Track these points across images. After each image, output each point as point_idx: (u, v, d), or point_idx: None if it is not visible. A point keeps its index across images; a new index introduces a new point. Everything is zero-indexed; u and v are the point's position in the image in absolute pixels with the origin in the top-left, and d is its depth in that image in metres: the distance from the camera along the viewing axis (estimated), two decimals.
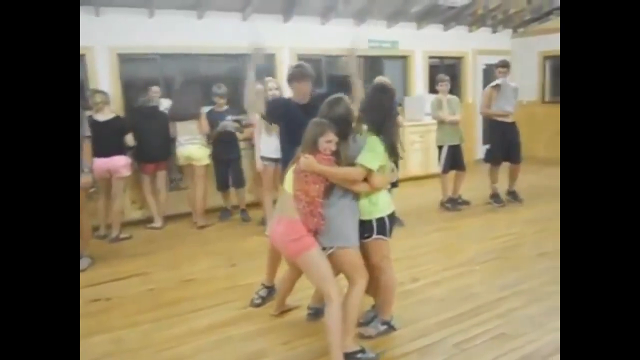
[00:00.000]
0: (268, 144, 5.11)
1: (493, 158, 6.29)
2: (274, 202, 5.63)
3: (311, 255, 2.66)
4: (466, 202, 6.28)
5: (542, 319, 3.26)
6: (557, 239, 4.85)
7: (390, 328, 3.11)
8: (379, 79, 5.76)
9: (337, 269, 2.80)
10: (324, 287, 2.69)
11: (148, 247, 5.09)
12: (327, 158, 2.69)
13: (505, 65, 6.18)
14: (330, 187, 2.71)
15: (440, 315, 3.34)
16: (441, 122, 6.06)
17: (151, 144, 5.50)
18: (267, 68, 7.03)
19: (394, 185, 5.14)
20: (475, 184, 6.96)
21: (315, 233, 2.69)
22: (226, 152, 5.81)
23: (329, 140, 2.68)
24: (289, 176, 2.74)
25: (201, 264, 4.52)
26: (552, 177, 7.82)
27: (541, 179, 7.72)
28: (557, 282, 3.81)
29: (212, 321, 3.38)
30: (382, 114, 2.82)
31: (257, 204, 6.18)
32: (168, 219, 5.89)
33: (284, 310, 3.42)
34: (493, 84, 6.27)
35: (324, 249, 2.71)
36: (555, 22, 8.81)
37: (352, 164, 2.72)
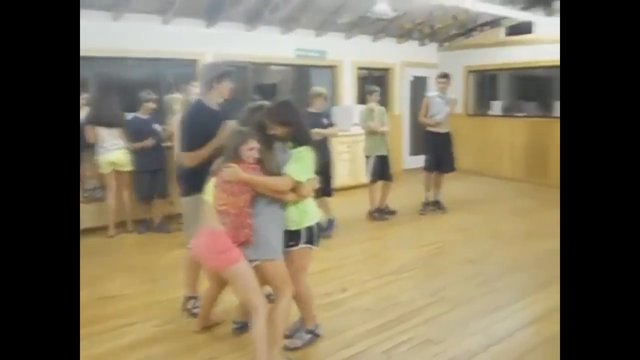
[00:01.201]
0: None
1: (428, 166, 6.48)
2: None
3: (238, 267, 2.60)
4: (393, 212, 6.35)
5: (465, 323, 3.37)
6: (479, 245, 5.07)
7: (316, 336, 3.10)
8: (316, 89, 5.69)
9: (263, 280, 2.75)
10: (250, 299, 2.64)
11: None
12: (253, 167, 2.63)
13: (444, 76, 6.40)
14: (255, 196, 2.64)
15: (367, 324, 3.35)
16: (369, 133, 6.10)
17: None
18: (188, 74, 6.80)
19: (326, 194, 5.13)
20: (402, 193, 7.08)
21: (243, 244, 2.61)
22: (151, 161, 5.55)
23: (251, 148, 2.63)
24: (210, 187, 2.66)
25: (119, 280, 4.24)
26: (474, 187, 8.21)
27: (464, 188, 8.00)
28: (479, 287, 3.98)
29: (133, 340, 3.19)
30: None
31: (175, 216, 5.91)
32: (82, 232, 5.49)
33: (207, 326, 3.27)
34: (429, 94, 6.49)
35: (251, 261, 2.64)
36: (478, 37, 9.22)
37: (278, 173, 2.67)
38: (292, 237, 2.76)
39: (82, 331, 3.21)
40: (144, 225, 5.74)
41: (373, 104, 6.12)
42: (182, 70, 6.86)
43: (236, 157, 2.61)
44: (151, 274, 4.35)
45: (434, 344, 3.08)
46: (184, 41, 6.71)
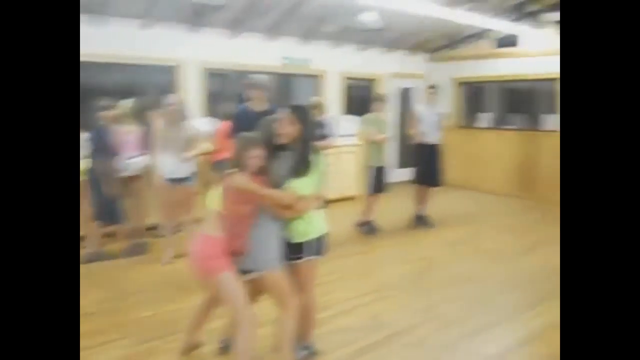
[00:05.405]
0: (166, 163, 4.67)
1: (417, 180, 6.30)
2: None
3: (223, 277, 2.55)
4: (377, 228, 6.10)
5: (455, 344, 3.28)
6: (467, 262, 4.95)
7: (312, 354, 2.99)
8: (315, 99, 5.51)
9: (255, 295, 2.75)
10: (236, 312, 2.59)
11: None
12: (261, 179, 2.57)
13: (432, 87, 6.31)
14: (257, 208, 2.60)
15: (354, 344, 3.24)
16: (371, 143, 5.88)
17: None
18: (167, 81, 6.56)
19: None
20: (388, 207, 6.84)
21: (235, 254, 2.56)
22: None
23: (254, 156, 2.56)
24: (213, 194, 2.63)
25: (86, 296, 3.91)
26: (461, 202, 8.06)
27: (451, 203, 7.81)
28: (469, 305, 3.88)
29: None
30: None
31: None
32: None
33: (190, 347, 3.05)
34: (418, 106, 6.38)
35: (248, 272, 2.62)
36: (466, 49, 9.15)
37: (281, 184, 2.59)
38: (297, 249, 2.67)
39: None
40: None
41: (378, 113, 5.96)
42: (161, 77, 6.61)
43: (240, 164, 2.56)
44: (122, 292, 4.12)
45: None
46: (164, 47, 6.46)
